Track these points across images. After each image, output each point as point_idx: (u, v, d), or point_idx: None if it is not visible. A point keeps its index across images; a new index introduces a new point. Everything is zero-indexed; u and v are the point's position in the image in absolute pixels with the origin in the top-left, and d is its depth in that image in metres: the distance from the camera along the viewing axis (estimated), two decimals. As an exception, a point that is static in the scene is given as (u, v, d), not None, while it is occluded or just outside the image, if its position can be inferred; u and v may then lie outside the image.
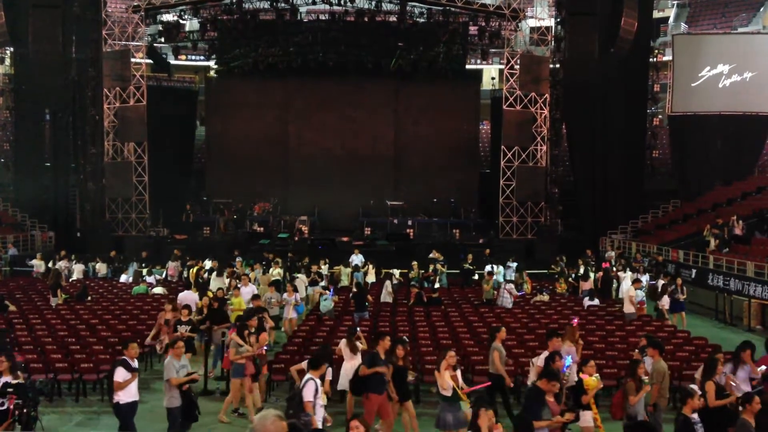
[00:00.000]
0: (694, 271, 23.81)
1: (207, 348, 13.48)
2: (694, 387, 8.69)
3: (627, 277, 21.71)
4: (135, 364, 9.25)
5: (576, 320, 11.91)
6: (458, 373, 9.20)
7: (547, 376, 8.01)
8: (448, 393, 8.79)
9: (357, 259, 24.40)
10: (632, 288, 17.40)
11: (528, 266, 24.86)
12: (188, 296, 17.56)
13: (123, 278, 22.57)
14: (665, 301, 18.22)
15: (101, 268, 24.56)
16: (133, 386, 9.09)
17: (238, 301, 15.68)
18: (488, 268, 23.67)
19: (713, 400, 8.55)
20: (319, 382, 8.43)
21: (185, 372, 9.40)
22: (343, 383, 10.68)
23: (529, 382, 9.63)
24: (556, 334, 10.03)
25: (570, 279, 22.96)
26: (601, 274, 22.02)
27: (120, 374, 8.96)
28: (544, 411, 7.69)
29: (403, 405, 9.82)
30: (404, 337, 11.61)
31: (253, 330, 11.31)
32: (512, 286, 18.93)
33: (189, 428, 9.59)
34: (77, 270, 23.79)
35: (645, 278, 21.59)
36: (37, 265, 24.44)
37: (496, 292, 18.49)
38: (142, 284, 20.86)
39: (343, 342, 11.19)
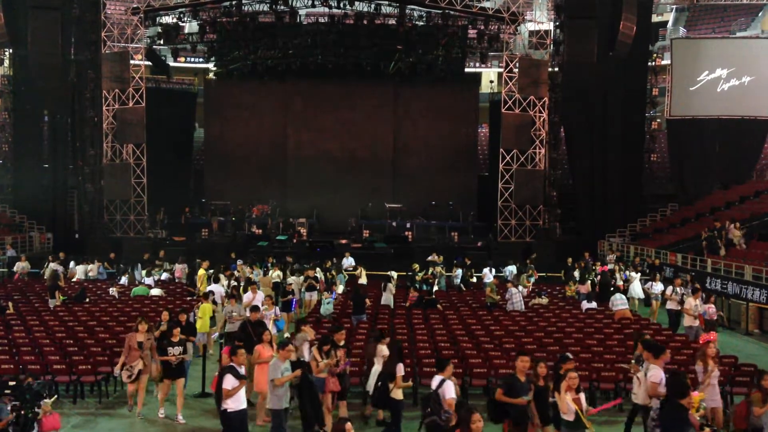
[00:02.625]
0: (692, 274, 23.77)
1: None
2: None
3: (636, 278, 21.84)
4: (242, 371, 9.26)
5: (710, 337, 10.80)
6: (582, 396, 8.42)
7: (686, 392, 7.70)
8: (570, 417, 8.14)
9: (347, 261, 24.42)
10: (691, 299, 15.92)
11: (526, 270, 24.84)
12: (215, 288, 17.57)
13: (123, 280, 22.55)
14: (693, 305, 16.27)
15: (93, 269, 24.48)
16: (242, 393, 9.10)
17: (206, 308, 14.77)
18: (486, 270, 23.74)
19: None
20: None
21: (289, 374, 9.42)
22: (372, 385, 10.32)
23: (636, 399, 9.39)
24: (662, 350, 9.51)
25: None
26: (599, 277, 22.04)
27: (229, 381, 8.97)
28: (691, 430, 7.44)
29: (543, 430, 8.80)
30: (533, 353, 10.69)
31: (341, 344, 10.60)
32: (522, 288, 18.89)
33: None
34: (79, 271, 23.77)
35: (637, 280, 21.85)
36: (23, 266, 24.26)
37: (499, 297, 18.41)
38: (141, 286, 20.85)
39: (381, 348, 10.58)
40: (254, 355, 10.65)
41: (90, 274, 24.12)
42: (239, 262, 23.44)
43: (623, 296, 17.96)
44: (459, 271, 23.82)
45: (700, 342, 10.33)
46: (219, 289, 18.28)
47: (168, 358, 11.06)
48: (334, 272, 22.13)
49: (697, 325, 15.57)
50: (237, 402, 9.02)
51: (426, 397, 8.77)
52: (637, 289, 21.64)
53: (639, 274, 22.75)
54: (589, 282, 21.09)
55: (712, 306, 16.54)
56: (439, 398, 8.43)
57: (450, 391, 8.47)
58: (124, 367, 11.20)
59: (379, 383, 10.00)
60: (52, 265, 23.04)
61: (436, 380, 8.70)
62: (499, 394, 8.64)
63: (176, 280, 23.12)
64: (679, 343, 14.25)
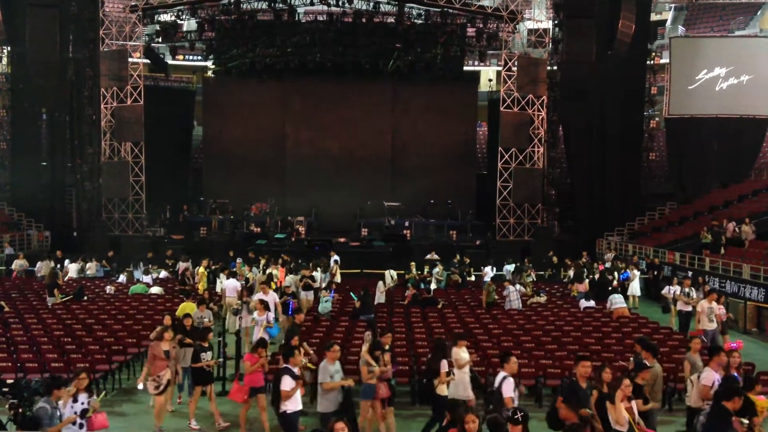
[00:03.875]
0: (690, 273, 23.80)
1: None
2: None
3: (637, 276, 21.87)
4: (297, 372, 9.24)
5: (735, 345, 10.58)
6: (633, 404, 8.04)
7: (737, 395, 7.52)
8: (624, 428, 7.69)
9: (332, 260, 24.46)
10: (704, 302, 15.18)
11: (524, 269, 24.87)
12: (232, 284, 17.52)
13: (121, 278, 22.52)
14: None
15: (91, 267, 24.45)
16: (298, 394, 9.10)
17: (187, 307, 14.16)
18: (487, 269, 23.74)
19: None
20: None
21: (339, 377, 9.34)
22: (457, 392, 9.81)
23: (689, 402, 9.30)
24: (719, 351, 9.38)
25: (565, 280, 23.08)
26: (597, 276, 22.07)
27: (287, 383, 8.95)
28: None
29: None
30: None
31: (387, 348, 10.16)
32: (520, 287, 18.82)
33: None
34: (72, 269, 23.72)
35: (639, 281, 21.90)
36: (20, 264, 24.22)
37: (498, 296, 18.41)
38: (140, 284, 20.83)
39: (458, 351, 10.13)
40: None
41: (88, 272, 24.10)
42: (238, 260, 23.41)
43: (621, 295, 18.01)
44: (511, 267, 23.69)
45: (725, 349, 9.92)
46: (234, 283, 18.24)
47: (202, 364, 10.76)
48: (332, 271, 22.13)
49: (714, 329, 14.86)
50: (295, 403, 9.02)
51: (488, 393, 8.76)
52: (636, 287, 21.69)
53: (639, 272, 22.82)
54: (587, 281, 21.12)
55: (722, 307, 15.72)
56: (501, 396, 8.42)
57: (509, 389, 8.44)
58: (149, 379, 10.50)
59: (424, 380, 9.91)
60: (44, 264, 23.04)
61: (498, 377, 8.68)
62: (559, 402, 8.17)
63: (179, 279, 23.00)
64: (677, 342, 14.26)
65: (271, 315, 13.98)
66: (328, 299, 17.05)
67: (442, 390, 9.72)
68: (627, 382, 7.96)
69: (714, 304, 15.06)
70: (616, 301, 17.29)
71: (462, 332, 11.40)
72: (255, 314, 13.57)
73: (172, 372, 10.74)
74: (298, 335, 11.19)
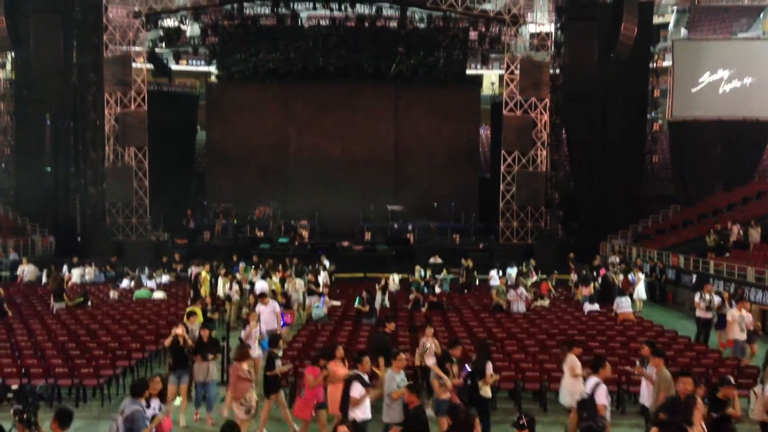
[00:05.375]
0: (694, 276, 23.81)
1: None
2: None
3: (641, 280, 21.79)
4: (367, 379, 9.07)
5: None
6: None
7: None
8: None
9: (326, 263, 24.55)
10: (734, 310, 14.61)
11: (528, 271, 24.84)
12: (262, 285, 17.57)
13: (124, 283, 22.55)
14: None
15: (90, 272, 24.47)
16: (367, 402, 8.90)
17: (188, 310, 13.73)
18: (493, 272, 23.66)
19: None
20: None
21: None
22: (565, 400, 9.77)
23: (753, 415, 9.14)
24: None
25: (570, 283, 23.03)
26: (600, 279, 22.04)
27: (357, 390, 8.77)
28: None
29: None
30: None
31: (455, 360, 9.84)
32: (523, 290, 18.76)
33: None
34: (75, 274, 23.75)
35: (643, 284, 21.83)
36: (26, 270, 24.12)
37: (503, 300, 18.38)
38: (144, 289, 20.84)
39: (572, 358, 9.93)
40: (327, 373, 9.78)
41: (87, 277, 24.10)
42: (241, 265, 23.40)
43: (628, 298, 17.99)
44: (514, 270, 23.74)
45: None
46: (263, 285, 18.23)
47: (277, 371, 10.41)
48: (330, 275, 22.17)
49: (743, 339, 14.21)
50: (364, 411, 8.80)
51: (581, 401, 8.58)
52: (641, 290, 21.64)
53: (643, 275, 22.77)
54: (592, 284, 21.08)
55: (750, 314, 14.76)
56: (595, 403, 8.21)
57: (602, 395, 8.26)
58: (235, 403, 9.91)
59: (469, 381, 9.73)
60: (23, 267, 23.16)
61: (590, 383, 8.48)
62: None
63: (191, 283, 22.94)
64: (682, 346, 14.22)
65: (264, 327, 13.22)
66: (319, 305, 17.05)
67: (486, 392, 9.65)
68: (700, 402, 7.57)
69: (744, 312, 14.45)
70: (623, 304, 17.25)
71: (574, 339, 11.15)
72: (249, 326, 12.69)
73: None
74: (340, 346, 10.51)
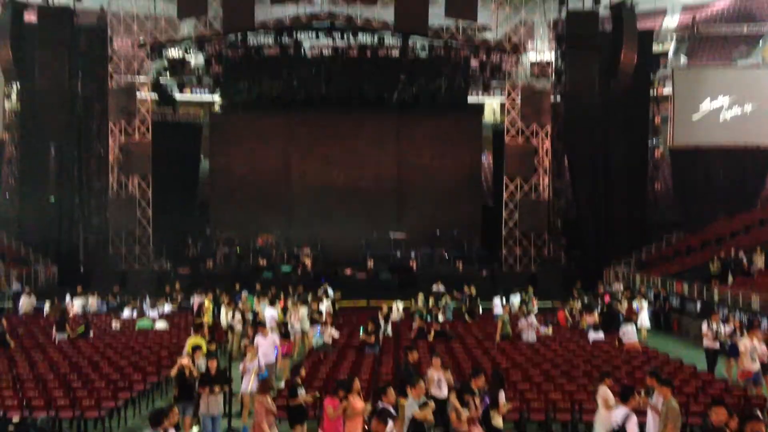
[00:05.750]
0: (699, 303, 23.69)
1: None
2: None
3: (645, 307, 21.61)
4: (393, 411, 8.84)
5: None
6: None
7: None
8: None
9: (330, 292, 24.44)
10: (746, 340, 14.18)
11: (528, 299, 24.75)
12: (271, 313, 17.54)
13: (126, 313, 22.48)
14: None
15: (93, 302, 24.40)
16: None
17: (195, 342, 13.33)
18: (497, 300, 23.55)
19: None
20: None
21: None
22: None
23: None
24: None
25: (571, 312, 22.89)
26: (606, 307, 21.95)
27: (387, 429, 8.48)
28: None
29: None
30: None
31: (476, 391, 9.71)
32: (534, 319, 18.57)
33: None
34: (77, 305, 23.66)
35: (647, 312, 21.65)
36: (28, 302, 24.01)
37: (511, 328, 18.26)
38: (145, 319, 20.78)
39: (605, 389, 9.80)
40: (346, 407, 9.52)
41: (90, 308, 24.02)
42: (243, 294, 23.32)
43: (633, 326, 17.82)
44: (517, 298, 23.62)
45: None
46: (273, 312, 18.14)
47: (300, 400, 10.30)
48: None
49: (757, 369, 13.75)
50: None
51: (614, 430, 8.46)
52: (644, 318, 21.49)
53: (647, 303, 22.63)
54: (596, 312, 20.97)
55: (763, 344, 14.17)
56: None
57: (634, 426, 8.11)
58: None
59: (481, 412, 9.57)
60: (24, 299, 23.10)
61: (620, 414, 8.30)
62: None
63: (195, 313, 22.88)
64: (687, 375, 14.08)
65: (263, 360, 12.81)
66: (317, 334, 16.98)
67: (498, 422, 9.56)
68: None
69: (756, 342, 14.02)
70: (629, 332, 17.10)
71: (607, 371, 11.04)
72: (246, 359, 12.36)
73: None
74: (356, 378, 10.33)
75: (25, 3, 29.85)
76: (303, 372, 11.18)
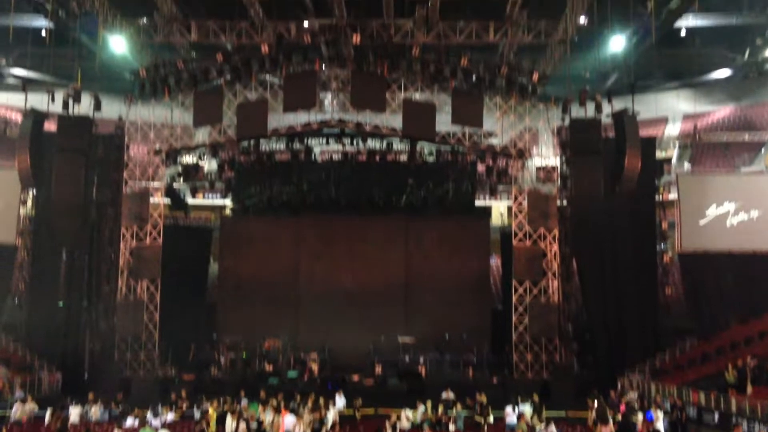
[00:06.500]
0: (716, 414, 22.96)
1: None
2: None
3: (660, 418, 20.95)
4: None
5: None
6: None
7: None
8: None
9: (340, 401, 23.83)
10: None
11: (546, 407, 24.01)
12: (291, 420, 16.95)
13: (128, 422, 21.93)
14: None
15: (96, 411, 23.82)
16: None
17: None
18: (509, 409, 22.85)
19: None
20: None
21: None
22: None
23: None
24: None
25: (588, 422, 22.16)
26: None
27: None
28: None
29: None
30: None
31: None
32: (554, 429, 18.05)
33: None
34: (74, 414, 23.05)
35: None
36: (29, 408, 23.30)
37: None
38: (148, 428, 20.25)
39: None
40: None
41: (92, 417, 23.42)
42: (244, 401, 22.77)
43: None
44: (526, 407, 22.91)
45: None
46: (292, 420, 17.72)
47: None
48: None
49: None
50: None
51: None
52: (661, 430, 20.79)
53: (663, 413, 21.96)
54: (611, 422, 20.31)
55: None
56: None
57: None
58: None
59: None
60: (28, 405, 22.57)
61: None
62: None
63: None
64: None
65: None
66: None
67: None
68: None
69: None
70: None
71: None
72: None
73: None
74: None
75: (45, 113, 30.76)
76: None
